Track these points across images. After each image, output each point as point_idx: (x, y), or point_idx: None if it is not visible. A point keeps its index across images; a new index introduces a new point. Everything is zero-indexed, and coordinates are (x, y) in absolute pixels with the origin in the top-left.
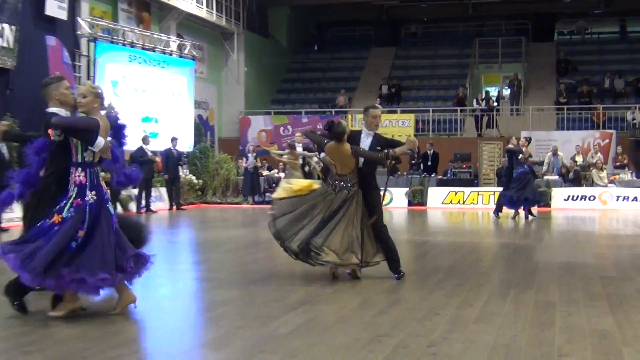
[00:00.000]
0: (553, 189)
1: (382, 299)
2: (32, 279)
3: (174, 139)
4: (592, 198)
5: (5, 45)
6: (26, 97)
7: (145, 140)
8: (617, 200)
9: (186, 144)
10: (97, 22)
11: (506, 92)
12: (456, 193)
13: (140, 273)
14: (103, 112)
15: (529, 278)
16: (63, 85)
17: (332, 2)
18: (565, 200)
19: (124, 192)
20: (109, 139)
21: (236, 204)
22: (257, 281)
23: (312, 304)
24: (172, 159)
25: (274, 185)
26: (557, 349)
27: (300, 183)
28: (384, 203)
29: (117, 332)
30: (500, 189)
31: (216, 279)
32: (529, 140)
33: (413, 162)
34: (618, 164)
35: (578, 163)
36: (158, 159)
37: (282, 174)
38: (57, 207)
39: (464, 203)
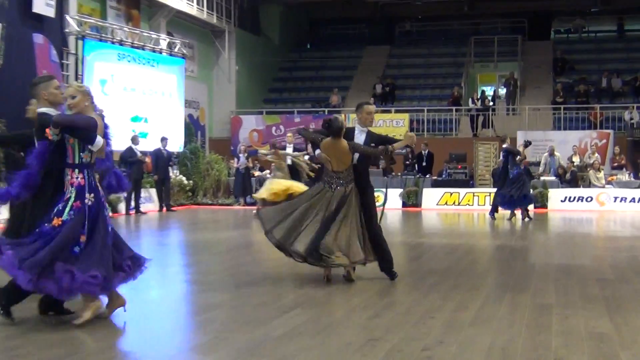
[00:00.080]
0: (550, 189)
1: (376, 302)
2: (29, 280)
3: (163, 139)
4: (589, 199)
5: None
6: (13, 97)
7: (134, 140)
8: (615, 201)
9: (176, 144)
10: (85, 20)
11: (502, 91)
12: (451, 194)
13: (135, 276)
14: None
15: (525, 280)
16: (52, 85)
17: None
18: (562, 201)
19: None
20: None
21: (227, 205)
22: (248, 284)
23: (305, 307)
24: (162, 159)
25: None
26: (553, 352)
27: (278, 185)
28: (378, 204)
29: (105, 336)
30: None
31: (207, 282)
32: (527, 143)
33: (407, 162)
34: (615, 164)
35: (575, 163)
36: (147, 159)
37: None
38: (56, 210)
39: (459, 204)
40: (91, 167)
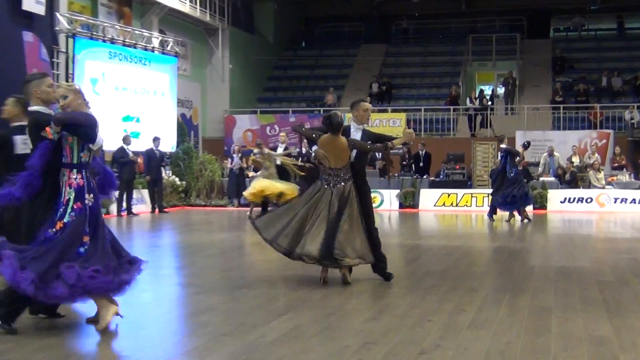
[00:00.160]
0: (549, 190)
1: (372, 305)
2: (31, 281)
3: (156, 139)
4: (589, 200)
5: None
6: (1, 96)
7: (126, 140)
8: (615, 202)
9: (169, 144)
10: (76, 18)
11: (500, 90)
12: (449, 195)
13: (134, 279)
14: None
15: (523, 283)
16: (45, 83)
17: None
18: (561, 202)
19: None
20: None
21: (221, 206)
22: (242, 286)
23: (299, 310)
24: (154, 159)
25: None
26: (552, 356)
27: (258, 184)
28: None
29: (96, 340)
30: None
31: (200, 285)
32: (527, 145)
33: (404, 163)
34: (616, 165)
35: (575, 164)
36: (139, 159)
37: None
38: (57, 214)
39: (456, 205)
40: (89, 166)
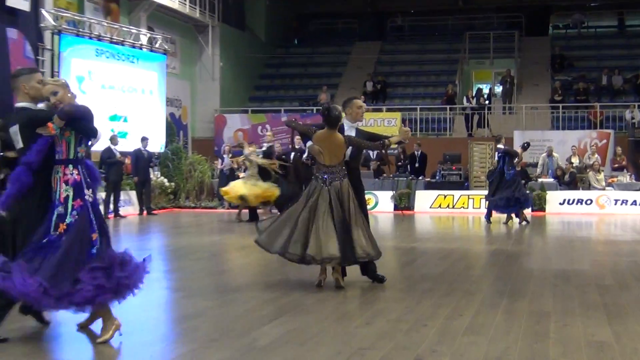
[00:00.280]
0: (548, 192)
1: (366, 310)
2: (39, 285)
3: (144, 139)
4: (588, 202)
5: None
6: None
7: (113, 140)
8: (615, 204)
9: (157, 144)
10: (61, 14)
11: (498, 89)
12: (445, 196)
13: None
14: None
15: (522, 286)
16: (34, 78)
17: None
18: (560, 204)
19: None
20: None
21: (211, 208)
22: (232, 291)
23: (292, 315)
24: (142, 160)
25: None
26: None
27: (235, 185)
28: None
29: (83, 346)
30: None
31: (189, 289)
32: (526, 145)
33: (400, 163)
34: (616, 165)
35: (574, 165)
36: (127, 160)
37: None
38: (55, 214)
39: (453, 207)
40: (84, 162)
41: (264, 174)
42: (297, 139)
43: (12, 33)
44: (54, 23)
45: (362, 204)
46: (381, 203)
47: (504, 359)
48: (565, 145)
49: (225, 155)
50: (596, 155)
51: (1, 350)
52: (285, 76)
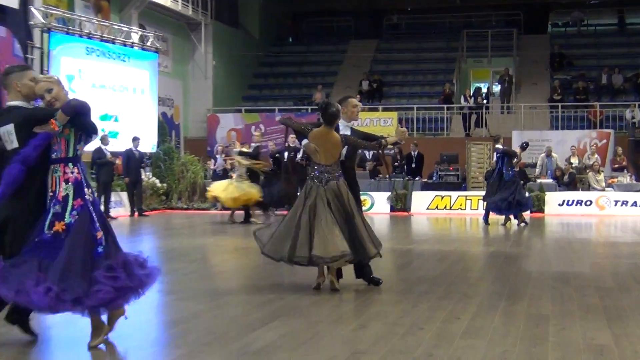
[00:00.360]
0: (546, 193)
1: (362, 313)
2: (47, 289)
3: (135, 139)
4: (588, 203)
5: None
6: None
7: (104, 140)
8: (615, 205)
9: (149, 145)
10: (51, 11)
11: (496, 88)
12: (442, 197)
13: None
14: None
15: (520, 289)
16: (26, 76)
17: None
18: (559, 205)
19: None
20: None
21: (203, 209)
22: (225, 294)
23: (286, 318)
24: (133, 160)
25: None
26: None
27: (215, 185)
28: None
29: (73, 351)
30: None
31: (181, 292)
32: (525, 145)
33: (396, 164)
34: (616, 166)
35: (573, 165)
36: (118, 160)
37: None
38: (51, 214)
39: (450, 208)
40: (81, 160)
41: (252, 174)
42: (292, 137)
43: (0, 31)
44: (43, 21)
45: (357, 205)
46: (377, 204)
47: None
48: (564, 146)
49: (218, 156)
50: (596, 156)
51: None
52: (280, 75)
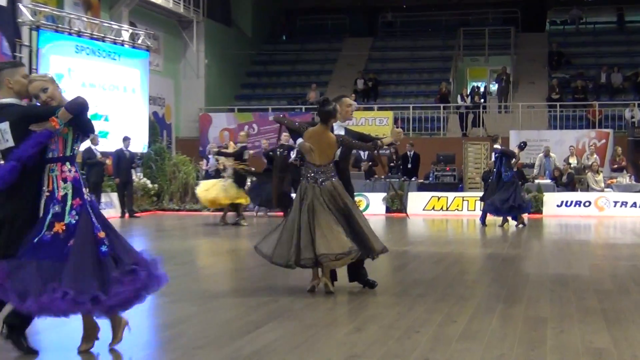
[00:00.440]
0: (545, 193)
1: (357, 316)
2: (64, 294)
3: (126, 139)
4: (587, 204)
5: None
6: None
7: (93, 140)
8: (615, 206)
9: (140, 144)
10: (40, 9)
11: (493, 87)
12: (439, 198)
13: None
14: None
15: (518, 291)
16: (19, 72)
17: None
18: (558, 206)
19: None
20: None
21: (195, 211)
22: (218, 296)
23: (279, 321)
24: (124, 161)
25: None
26: None
27: (201, 184)
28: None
29: (63, 354)
30: None
31: (173, 294)
32: (523, 145)
33: (392, 164)
34: (616, 166)
35: (572, 165)
36: (108, 161)
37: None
38: (51, 214)
39: (447, 209)
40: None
41: (238, 176)
42: (285, 135)
43: None
44: (32, 18)
45: None
46: (372, 205)
47: None
48: (562, 145)
49: (210, 156)
50: (595, 156)
51: None
52: (273, 74)
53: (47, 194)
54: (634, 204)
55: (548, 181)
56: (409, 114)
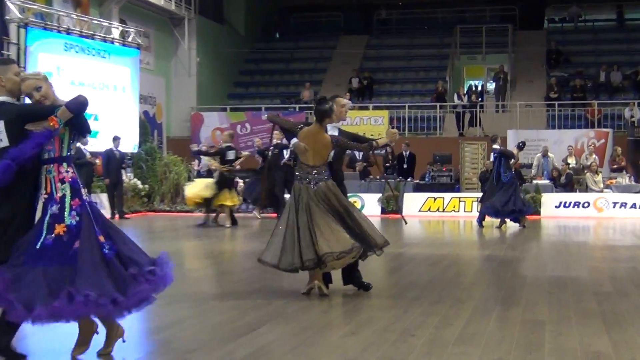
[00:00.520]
0: (543, 194)
1: (351, 319)
2: (85, 296)
3: (116, 139)
4: (586, 205)
5: None
6: None
7: (83, 140)
8: (614, 207)
9: (130, 144)
10: (28, 6)
11: (491, 86)
12: (435, 199)
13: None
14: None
15: (515, 294)
16: (11, 70)
17: None
18: (556, 207)
19: None
20: None
21: (187, 212)
22: (211, 299)
23: (273, 325)
24: (113, 161)
25: None
26: None
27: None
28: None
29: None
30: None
31: (164, 297)
32: (521, 145)
33: (387, 164)
34: (615, 166)
35: (570, 165)
36: (98, 161)
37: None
38: (49, 215)
39: (443, 210)
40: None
41: (223, 180)
42: (277, 133)
43: None
44: (20, 15)
45: None
46: (367, 206)
47: None
48: (561, 145)
49: (202, 156)
50: (594, 156)
51: None
52: (266, 72)
53: (46, 196)
54: (634, 205)
55: (546, 182)
56: (405, 113)
